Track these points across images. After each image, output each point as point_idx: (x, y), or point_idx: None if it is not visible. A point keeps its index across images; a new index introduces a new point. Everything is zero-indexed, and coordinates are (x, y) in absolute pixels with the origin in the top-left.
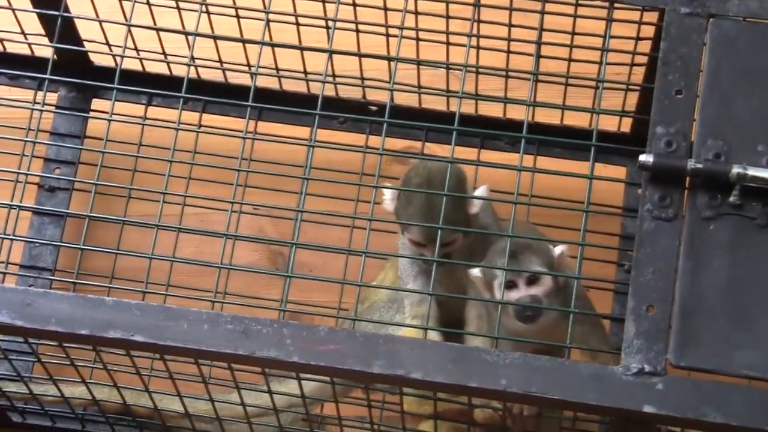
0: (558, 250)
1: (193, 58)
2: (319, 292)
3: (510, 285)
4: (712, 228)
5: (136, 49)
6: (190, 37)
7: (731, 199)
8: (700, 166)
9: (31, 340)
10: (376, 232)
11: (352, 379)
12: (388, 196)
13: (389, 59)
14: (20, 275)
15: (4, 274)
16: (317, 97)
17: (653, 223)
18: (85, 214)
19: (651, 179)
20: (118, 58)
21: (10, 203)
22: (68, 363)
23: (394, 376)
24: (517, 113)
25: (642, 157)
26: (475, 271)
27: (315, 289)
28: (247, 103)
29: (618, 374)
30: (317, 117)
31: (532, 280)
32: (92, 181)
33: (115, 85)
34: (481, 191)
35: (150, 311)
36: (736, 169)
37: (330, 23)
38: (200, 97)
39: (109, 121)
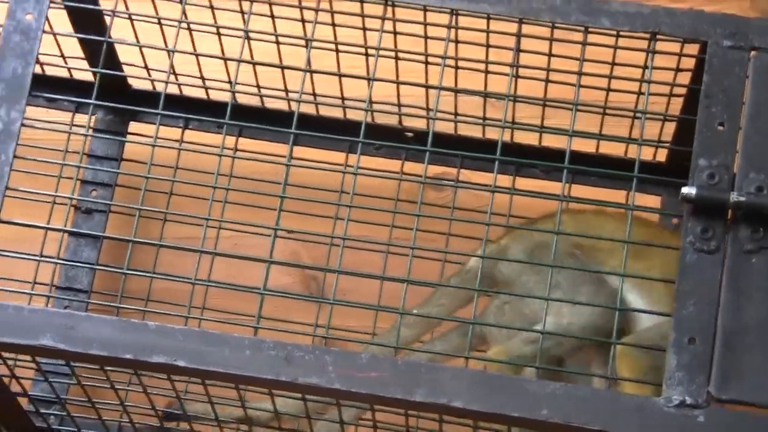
0: None
1: (231, 83)
2: (354, 318)
3: None
4: (754, 261)
5: (175, 74)
6: (231, 63)
7: None
8: (742, 199)
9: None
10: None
11: (393, 407)
12: None
13: (428, 87)
14: (56, 297)
15: (41, 295)
16: (353, 123)
17: (695, 255)
18: (128, 238)
19: (693, 212)
20: (157, 83)
21: (55, 227)
22: (106, 386)
23: (436, 404)
24: (551, 141)
25: (684, 190)
26: None
27: (350, 315)
28: (285, 129)
29: (659, 406)
30: (360, 144)
31: None
32: (131, 205)
33: (159, 111)
34: None
35: (193, 336)
36: None
37: (371, 51)
38: (239, 123)
39: (153, 146)
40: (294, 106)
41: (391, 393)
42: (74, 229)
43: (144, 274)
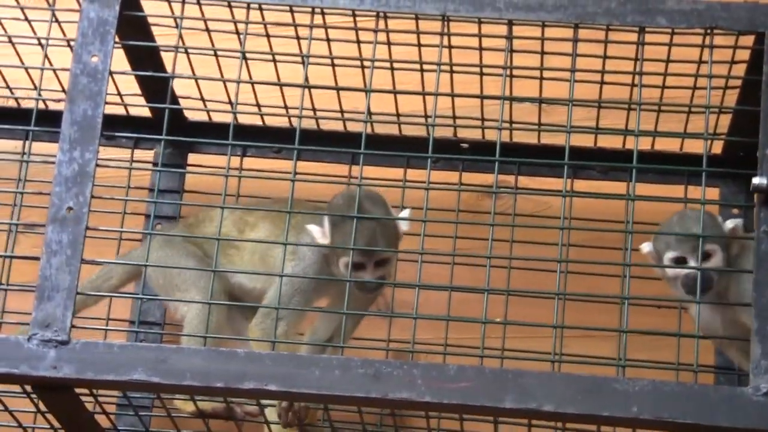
0: (730, 224)
1: (287, 107)
2: (421, 330)
3: (679, 260)
4: None
5: (230, 102)
6: (294, 89)
7: None
8: None
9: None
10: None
11: (482, 414)
12: (317, 232)
13: (482, 97)
14: (129, 331)
15: (118, 330)
16: (409, 138)
17: None
18: (210, 269)
19: (765, 201)
20: (214, 114)
21: (132, 262)
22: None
23: (526, 409)
24: (603, 141)
25: (756, 180)
26: (646, 247)
27: (419, 328)
28: (342, 149)
29: (747, 395)
30: (430, 160)
31: (706, 255)
32: (199, 236)
33: (231, 142)
34: (405, 213)
35: (281, 360)
36: None
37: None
38: (304, 147)
39: (226, 175)
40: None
41: (482, 401)
42: (154, 263)
43: (230, 303)
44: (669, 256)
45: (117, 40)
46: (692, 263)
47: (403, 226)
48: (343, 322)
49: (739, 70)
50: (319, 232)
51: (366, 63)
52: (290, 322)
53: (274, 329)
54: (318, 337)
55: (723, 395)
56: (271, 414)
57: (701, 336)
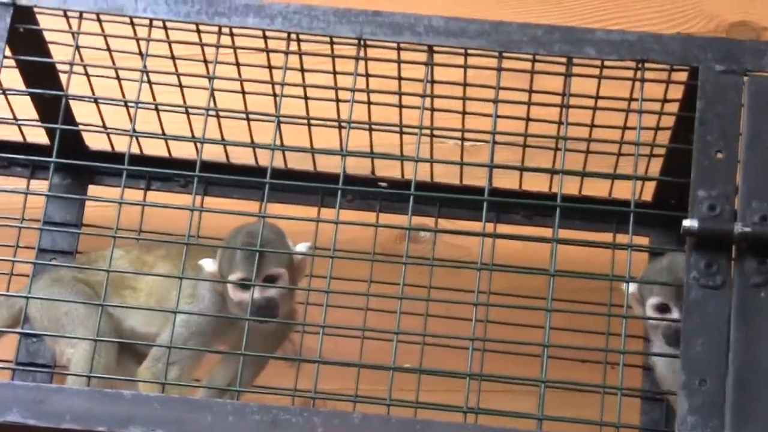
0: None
1: (194, 136)
2: (332, 379)
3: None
4: (763, 295)
5: (136, 134)
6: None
7: None
8: (748, 229)
9: None
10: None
11: None
12: (208, 264)
13: (402, 130)
14: (17, 369)
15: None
16: (324, 174)
17: (701, 291)
18: (98, 302)
19: (696, 246)
20: (117, 143)
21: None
22: None
23: None
24: (532, 184)
25: (686, 223)
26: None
27: (327, 376)
28: (258, 179)
29: None
30: (340, 192)
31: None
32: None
33: (125, 167)
34: (301, 247)
35: (171, 404)
36: None
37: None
38: (209, 174)
39: (120, 202)
40: (261, 160)
41: None
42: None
43: (113, 340)
44: (652, 302)
45: (8, 54)
46: (676, 314)
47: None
48: (240, 364)
49: (672, 108)
50: (210, 263)
51: (277, 89)
52: (184, 366)
53: (164, 374)
54: (216, 384)
55: None
56: None
57: (625, 389)
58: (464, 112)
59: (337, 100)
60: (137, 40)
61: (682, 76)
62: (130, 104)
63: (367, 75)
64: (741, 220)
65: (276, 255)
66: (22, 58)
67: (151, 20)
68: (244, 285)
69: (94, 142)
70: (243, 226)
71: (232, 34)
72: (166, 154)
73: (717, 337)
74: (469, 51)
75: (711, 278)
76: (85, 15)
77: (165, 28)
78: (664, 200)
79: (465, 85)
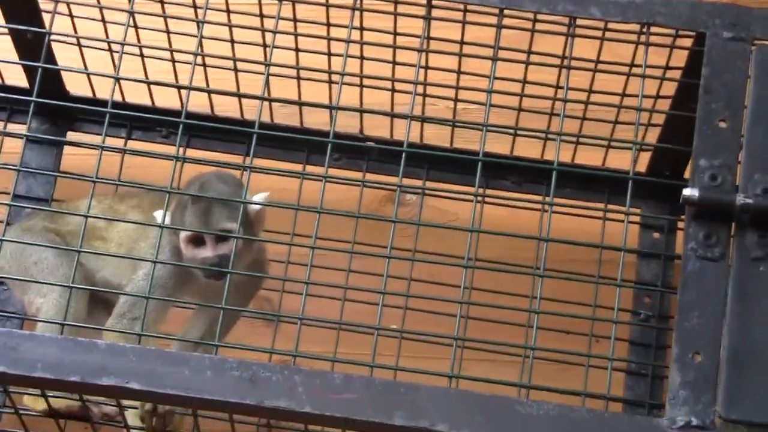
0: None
1: (178, 84)
2: (313, 342)
3: (198, 242)
4: (762, 269)
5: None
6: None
7: None
8: (750, 201)
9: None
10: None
11: (369, 430)
12: (160, 216)
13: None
14: None
15: None
16: (311, 131)
17: (698, 263)
18: (75, 249)
19: (695, 216)
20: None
21: None
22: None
23: (417, 428)
24: (523, 151)
25: (686, 192)
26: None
27: (307, 339)
28: (247, 129)
29: (663, 427)
30: (330, 146)
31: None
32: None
33: (108, 110)
34: (259, 197)
35: (147, 356)
36: None
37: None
38: (192, 121)
39: (101, 147)
40: (247, 113)
41: (368, 416)
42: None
43: (87, 288)
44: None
45: None
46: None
47: (254, 207)
48: (221, 318)
49: (674, 76)
50: (161, 216)
51: (268, 39)
52: (148, 321)
53: (130, 330)
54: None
55: (636, 426)
56: (132, 417)
57: (615, 359)
58: (459, 72)
59: (329, 54)
60: None
61: (686, 42)
62: (114, 47)
63: (362, 28)
64: (743, 191)
65: (229, 209)
66: None
67: None
68: (196, 241)
69: (76, 86)
70: (198, 177)
71: None
72: (149, 104)
73: (713, 310)
74: (469, 6)
75: (709, 250)
76: None
77: None
78: (658, 171)
79: (462, 43)
